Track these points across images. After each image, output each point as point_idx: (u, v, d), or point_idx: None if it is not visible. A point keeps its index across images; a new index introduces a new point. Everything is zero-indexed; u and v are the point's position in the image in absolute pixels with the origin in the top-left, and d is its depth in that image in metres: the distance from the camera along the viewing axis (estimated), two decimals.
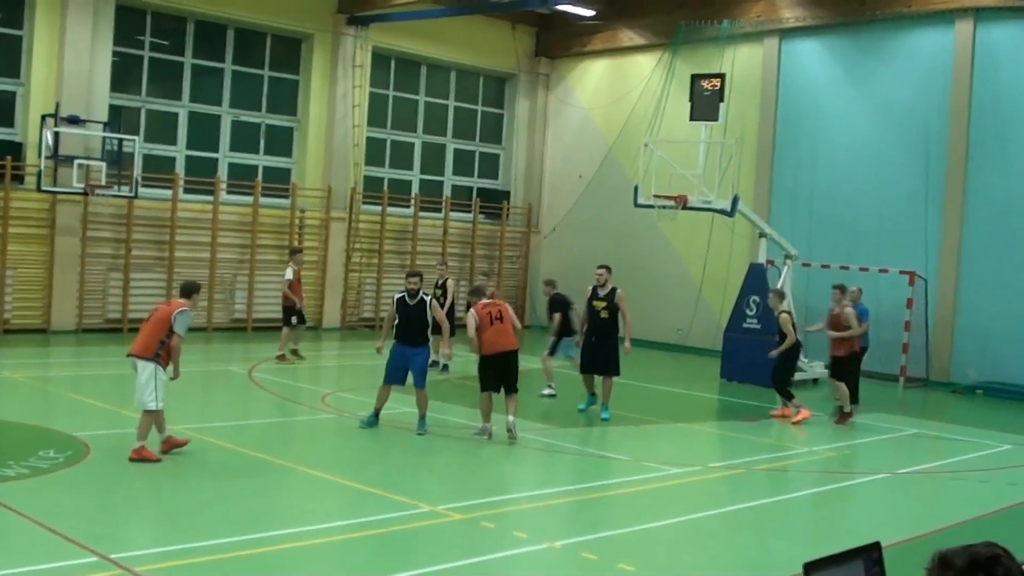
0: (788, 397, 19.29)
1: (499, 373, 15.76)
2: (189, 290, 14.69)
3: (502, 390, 15.83)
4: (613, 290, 18.61)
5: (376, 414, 16.16)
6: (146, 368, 13.52)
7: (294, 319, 23.25)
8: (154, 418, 13.44)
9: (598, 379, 18.71)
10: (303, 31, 29.87)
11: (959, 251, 25.57)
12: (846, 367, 19.60)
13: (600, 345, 18.40)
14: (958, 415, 22.10)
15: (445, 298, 21.97)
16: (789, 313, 19.88)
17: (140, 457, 13.20)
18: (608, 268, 19.04)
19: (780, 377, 19.36)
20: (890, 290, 25.11)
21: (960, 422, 20.86)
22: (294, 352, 23.49)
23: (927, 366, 25.69)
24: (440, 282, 22.73)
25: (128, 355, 13.77)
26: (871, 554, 4.01)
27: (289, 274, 23.54)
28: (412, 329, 16.07)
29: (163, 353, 13.59)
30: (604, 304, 18.48)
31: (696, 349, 29.35)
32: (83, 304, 26.05)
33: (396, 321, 16.23)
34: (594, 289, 18.80)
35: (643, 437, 17.58)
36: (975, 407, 23.21)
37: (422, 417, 16.02)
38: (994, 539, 3.15)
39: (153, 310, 14.18)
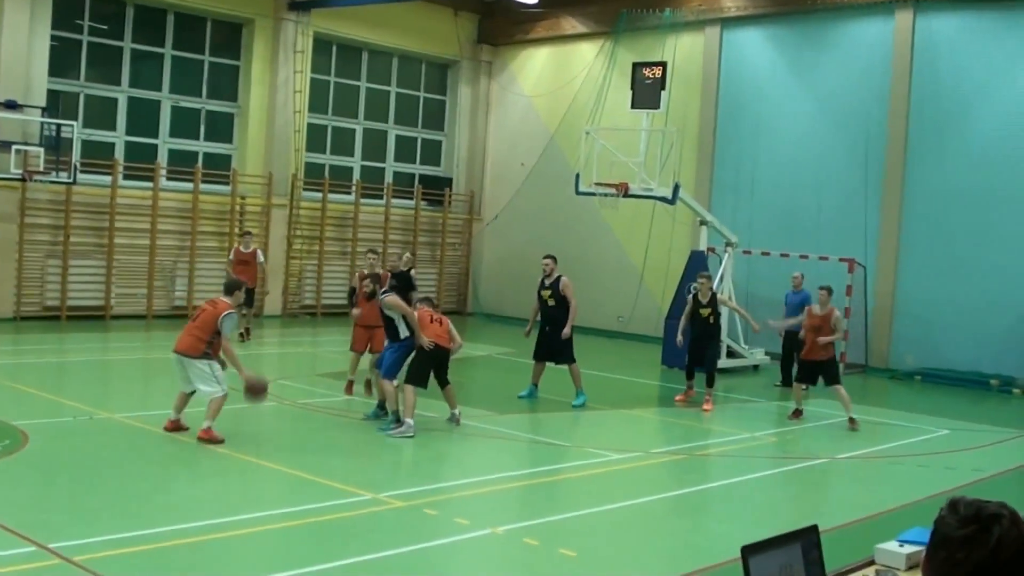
0: (711, 383, 19.30)
1: (436, 367, 15.65)
2: (232, 287, 14.89)
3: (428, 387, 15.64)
4: (558, 279, 18.70)
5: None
6: (195, 364, 13.95)
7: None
8: (221, 402, 13.91)
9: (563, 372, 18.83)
10: (244, 16, 29.65)
11: (898, 239, 25.84)
12: (831, 370, 18.39)
13: (552, 334, 18.50)
14: (897, 401, 22.34)
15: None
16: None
17: (208, 437, 13.66)
18: (554, 258, 19.16)
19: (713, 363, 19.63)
20: (830, 277, 25.23)
21: (899, 408, 21.09)
22: (243, 333, 23.62)
23: (866, 352, 25.95)
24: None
25: (174, 352, 14.13)
26: (809, 537, 4.05)
27: (231, 255, 23.77)
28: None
29: (211, 351, 14.01)
30: (550, 293, 18.64)
31: (637, 336, 29.46)
32: (21, 291, 25.75)
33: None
34: (541, 279, 18.85)
35: (585, 423, 17.63)
36: (913, 393, 23.46)
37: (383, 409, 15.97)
38: (932, 522, 3.19)
39: (200, 309, 14.46)
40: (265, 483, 12.59)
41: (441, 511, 11.25)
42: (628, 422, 18.02)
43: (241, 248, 24.50)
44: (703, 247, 24.70)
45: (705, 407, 18.84)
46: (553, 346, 18.60)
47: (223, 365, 14.20)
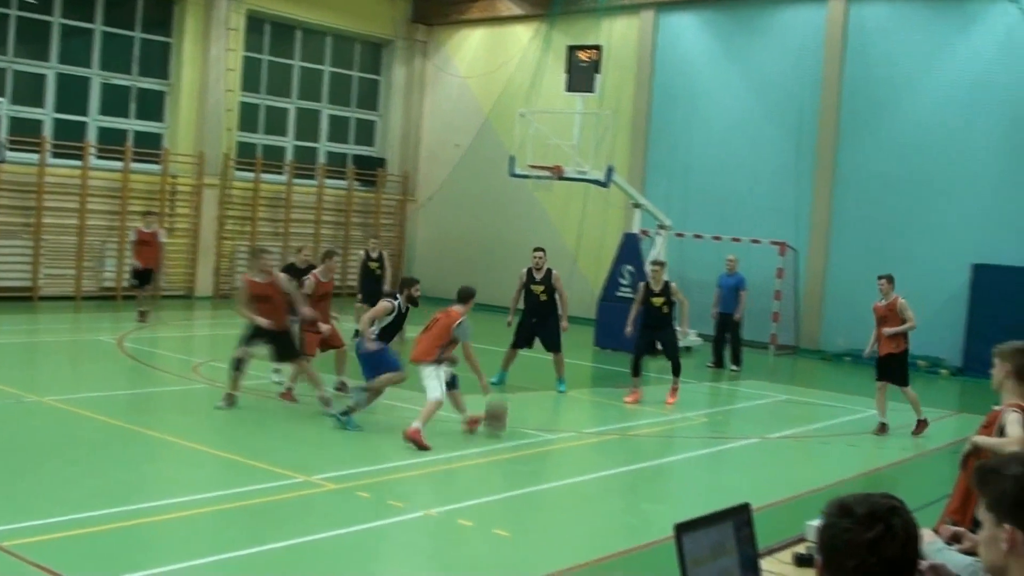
0: (637, 374, 18.07)
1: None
2: (467, 295, 14.99)
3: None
4: (549, 272, 18.82)
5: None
6: (426, 368, 14.22)
7: (135, 281, 23.52)
8: (438, 407, 14.03)
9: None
10: None
11: (829, 223, 26.11)
12: (903, 365, 16.74)
13: (542, 325, 18.41)
14: (827, 381, 22.57)
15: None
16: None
17: (413, 439, 13.46)
18: (544, 250, 19.26)
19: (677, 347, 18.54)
20: (761, 260, 25.55)
21: (829, 388, 21.31)
22: (140, 315, 23.57)
23: (797, 334, 26.21)
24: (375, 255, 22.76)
25: (411, 361, 14.54)
26: (741, 515, 4.09)
27: (132, 235, 23.69)
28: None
29: (444, 356, 14.31)
30: (543, 288, 18.65)
31: (571, 317, 29.43)
32: None
33: None
34: (530, 272, 18.91)
35: (518, 404, 17.63)
36: (844, 374, 23.72)
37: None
38: None
39: (434, 318, 14.68)
40: (197, 466, 12.51)
41: (374, 494, 11.23)
42: (561, 403, 18.07)
43: (143, 228, 24.19)
44: (636, 230, 24.81)
45: (669, 399, 18.04)
46: (547, 336, 18.56)
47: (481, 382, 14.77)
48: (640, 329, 18.50)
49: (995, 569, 3.57)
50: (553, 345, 18.67)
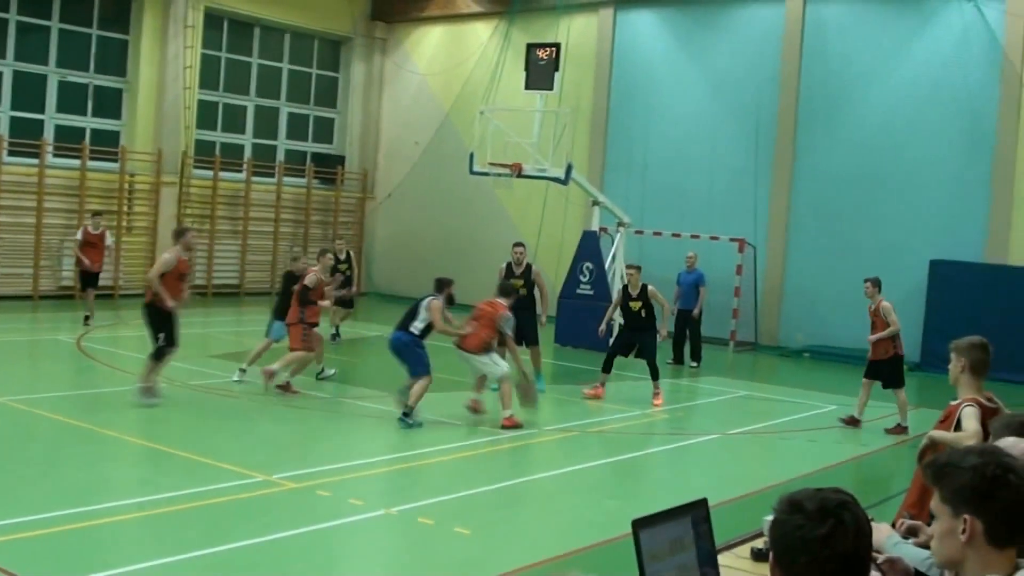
0: (656, 375, 18.06)
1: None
2: (510, 291, 16.32)
3: None
4: (529, 267, 18.89)
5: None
6: (481, 357, 15.43)
7: (82, 284, 23.13)
8: (508, 379, 15.47)
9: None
10: None
11: (787, 219, 26.26)
12: (893, 370, 16.74)
13: (520, 318, 18.12)
14: (786, 377, 22.68)
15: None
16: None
17: (511, 426, 14.95)
18: (524, 245, 19.39)
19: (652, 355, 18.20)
20: (720, 257, 25.65)
21: (788, 384, 21.42)
22: (86, 318, 23.09)
23: (756, 330, 26.33)
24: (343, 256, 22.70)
25: (465, 350, 15.47)
26: (699, 510, 4.12)
27: (79, 234, 23.36)
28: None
29: (493, 347, 15.62)
30: (523, 283, 18.55)
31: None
32: None
33: None
34: (509, 266, 18.95)
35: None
36: (803, 369, 23.85)
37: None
38: None
39: (480, 309, 15.85)
40: (157, 466, 12.45)
41: (335, 492, 11.22)
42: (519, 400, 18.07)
43: (90, 229, 23.44)
44: (595, 227, 24.86)
45: (655, 402, 17.90)
46: (525, 330, 18.19)
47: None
48: (620, 329, 18.67)
49: (949, 562, 3.60)
50: (531, 338, 18.62)
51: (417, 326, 15.36)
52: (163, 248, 28.19)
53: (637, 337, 18.22)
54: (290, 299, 17.17)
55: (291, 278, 17.84)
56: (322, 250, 18.69)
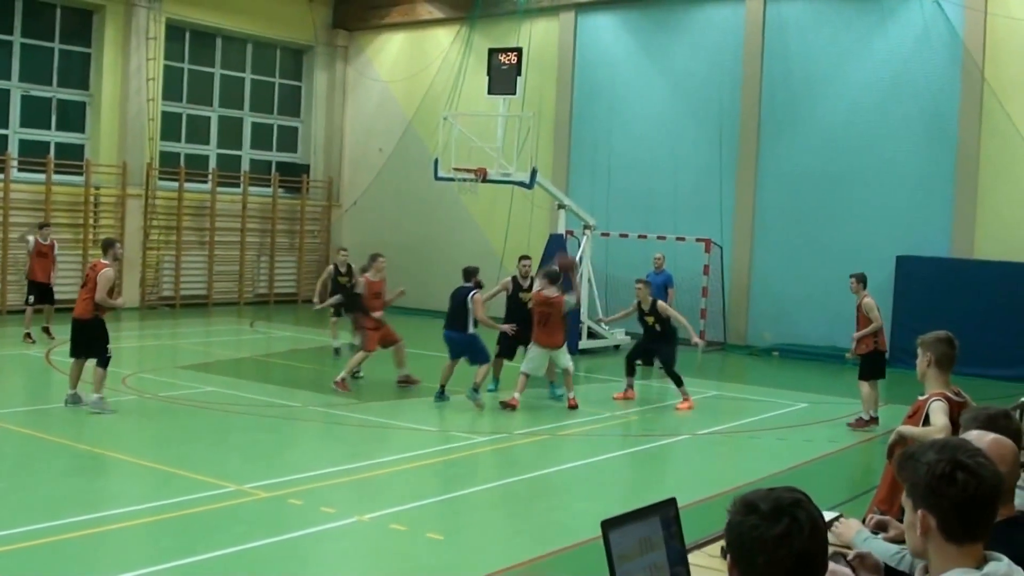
0: (679, 382, 18.17)
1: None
2: (557, 277, 17.43)
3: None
4: (533, 280, 18.77)
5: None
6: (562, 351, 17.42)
7: (31, 297, 22.56)
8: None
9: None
10: (94, 2, 28.97)
11: (752, 219, 26.36)
12: (873, 363, 16.84)
13: (524, 332, 18.03)
14: (755, 376, 22.78)
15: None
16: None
17: (574, 407, 17.14)
18: (531, 258, 19.90)
19: (670, 362, 18.42)
20: (687, 258, 25.74)
21: (758, 383, 21.52)
22: (44, 330, 22.64)
23: (724, 330, 26.41)
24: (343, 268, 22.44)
25: (547, 347, 17.23)
26: (667, 510, 4.14)
27: (29, 245, 22.77)
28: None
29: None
30: (530, 296, 18.38)
31: (498, 319, 29.50)
32: None
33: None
34: (515, 280, 19.09)
35: (448, 408, 17.65)
36: (771, 368, 23.94)
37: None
38: None
39: (544, 300, 17.20)
40: (127, 478, 12.42)
41: (306, 500, 11.22)
42: (491, 405, 18.07)
43: (40, 240, 22.93)
44: (562, 230, 24.88)
45: (680, 405, 18.01)
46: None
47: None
48: (640, 338, 19.16)
49: (919, 553, 3.65)
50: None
51: (471, 323, 17.36)
52: (130, 261, 28.35)
53: (654, 347, 18.65)
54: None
55: (336, 271, 20.00)
56: (374, 254, 19.54)
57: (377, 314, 18.61)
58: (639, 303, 18.67)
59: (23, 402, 16.86)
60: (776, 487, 3.23)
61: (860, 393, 16.79)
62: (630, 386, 18.65)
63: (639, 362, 19.18)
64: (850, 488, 13.27)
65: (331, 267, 22.59)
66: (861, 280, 17.03)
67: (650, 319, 18.43)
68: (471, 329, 17.38)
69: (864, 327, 16.73)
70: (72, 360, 15.74)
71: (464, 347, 17.38)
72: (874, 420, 16.69)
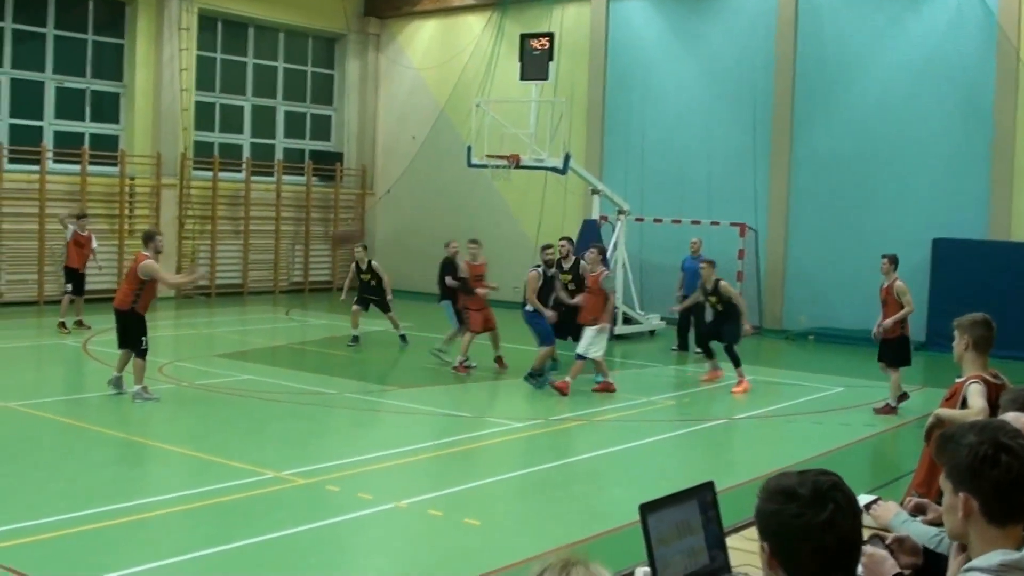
0: (737, 363, 18.38)
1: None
2: (605, 250, 18.10)
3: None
4: (577, 260, 18.82)
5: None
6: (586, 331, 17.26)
7: (68, 286, 22.68)
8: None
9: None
10: None
11: (787, 202, 26.24)
12: (899, 349, 16.62)
13: (569, 313, 18.12)
14: (791, 361, 22.72)
15: (378, 280, 21.94)
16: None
17: (605, 390, 17.28)
18: (572, 240, 19.82)
19: (732, 340, 18.51)
20: (722, 242, 25.64)
21: (794, 367, 21.46)
22: (77, 323, 22.74)
23: (760, 314, 26.30)
24: (364, 266, 22.39)
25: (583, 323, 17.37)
26: (705, 494, 4.15)
27: (68, 234, 22.95)
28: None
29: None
30: (570, 277, 18.66)
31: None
32: None
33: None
34: (557, 263, 18.89)
35: (484, 394, 17.73)
36: (807, 352, 23.86)
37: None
38: None
39: (590, 275, 17.52)
40: (165, 466, 12.51)
41: (344, 487, 11.26)
42: (527, 391, 18.09)
43: (78, 231, 23.11)
44: (595, 216, 24.86)
45: (735, 388, 18.18)
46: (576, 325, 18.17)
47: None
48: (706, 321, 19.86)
49: (957, 535, 3.64)
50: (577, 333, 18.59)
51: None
52: (165, 250, 28.32)
53: (717, 327, 18.99)
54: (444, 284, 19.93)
55: (447, 264, 20.03)
56: (472, 239, 20.33)
57: (482, 291, 19.38)
58: (703, 283, 18.85)
59: (62, 391, 16.99)
60: (805, 470, 3.18)
61: (890, 380, 16.60)
62: (716, 366, 19.02)
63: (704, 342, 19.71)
64: (887, 471, 13.24)
65: (353, 265, 22.60)
66: (894, 261, 16.82)
67: (712, 299, 18.62)
68: (530, 306, 17.92)
69: (892, 310, 16.51)
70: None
71: (528, 322, 18.12)
72: (893, 409, 16.60)
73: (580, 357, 17.27)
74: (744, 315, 18.64)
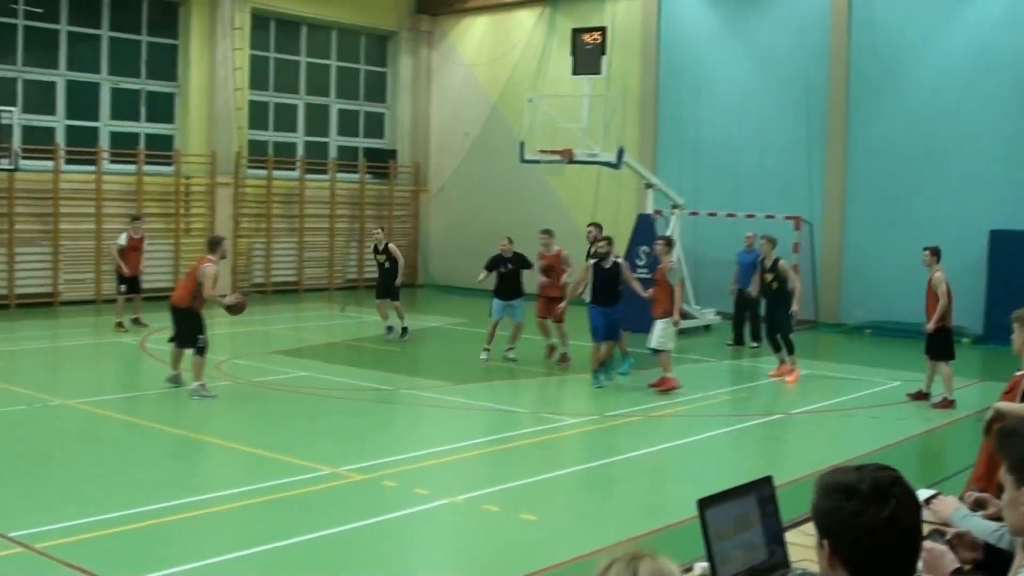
0: (790, 351, 18.59)
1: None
2: (672, 242, 18.01)
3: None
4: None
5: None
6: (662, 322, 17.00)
7: (123, 287, 22.83)
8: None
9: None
10: None
11: (843, 194, 26.05)
12: (942, 342, 16.44)
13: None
14: (848, 355, 22.55)
15: (392, 263, 21.98)
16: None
17: (666, 387, 16.77)
18: (597, 225, 20.19)
19: (784, 329, 18.70)
20: (777, 235, 25.40)
21: (850, 361, 21.28)
22: (134, 321, 22.94)
23: (816, 308, 26.15)
24: (381, 247, 22.42)
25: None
26: (763, 488, 4.13)
27: (122, 240, 23.06)
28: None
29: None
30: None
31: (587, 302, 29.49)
32: None
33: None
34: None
35: (539, 390, 17.74)
36: (864, 346, 23.69)
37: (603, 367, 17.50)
38: None
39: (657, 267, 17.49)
40: (222, 462, 12.60)
41: (400, 483, 11.29)
42: (582, 387, 18.07)
43: (133, 233, 23.14)
44: (650, 210, 24.79)
45: (787, 378, 18.46)
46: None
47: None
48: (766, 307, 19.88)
49: (1020, 531, 3.60)
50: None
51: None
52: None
53: (771, 313, 19.30)
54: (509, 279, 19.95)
55: (499, 260, 20.10)
56: (544, 229, 20.55)
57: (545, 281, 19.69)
58: (763, 259, 18.98)
59: (119, 389, 17.13)
60: (862, 465, 3.12)
61: (942, 374, 16.41)
62: (782, 361, 18.79)
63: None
64: (946, 466, 13.13)
65: (373, 246, 22.66)
66: (936, 253, 16.65)
67: (769, 276, 18.66)
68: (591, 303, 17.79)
69: (932, 302, 16.36)
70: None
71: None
72: (925, 396, 16.54)
73: (656, 351, 17.07)
74: (798, 295, 18.67)
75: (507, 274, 19.93)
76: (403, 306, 22.12)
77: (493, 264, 20.11)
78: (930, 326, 16.40)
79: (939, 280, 16.28)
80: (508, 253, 20.10)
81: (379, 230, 23.13)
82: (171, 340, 16.33)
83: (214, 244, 16.36)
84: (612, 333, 17.45)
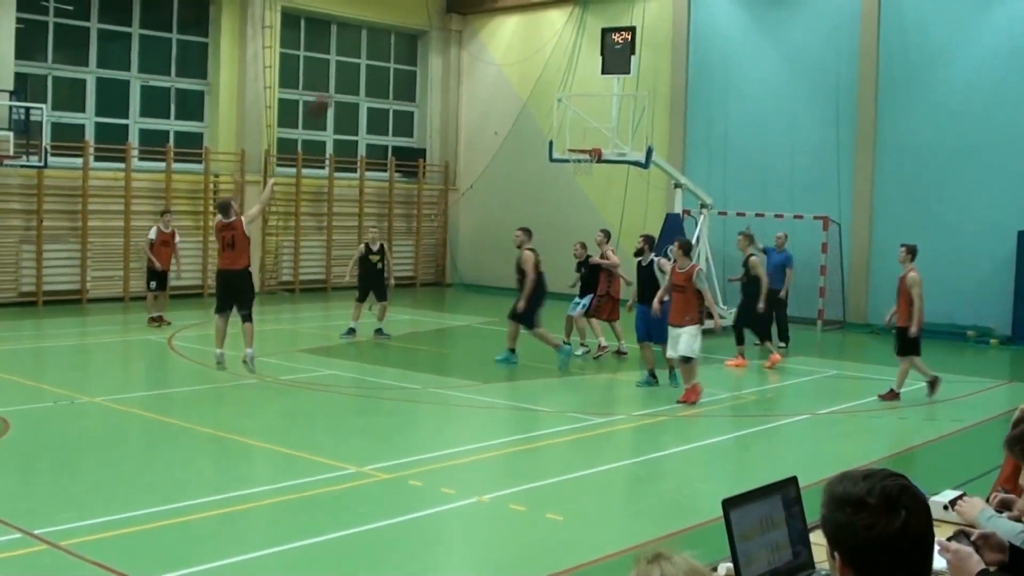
0: (766, 338, 20.10)
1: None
2: (690, 246, 16.92)
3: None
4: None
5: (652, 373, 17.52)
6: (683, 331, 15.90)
7: (152, 283, 22.93)
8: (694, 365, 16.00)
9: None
10: None
11: (871, 195, 25.95)
12: (912, 340, 16.58)
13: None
14: (876, 355, 22.41)
15: (383, 263, 22.05)
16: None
17: (696, 397, 15.86)
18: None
19: (753, 323, 19.95)
20: (805, 235, 25.42)
21: (878, 362, 21.14)
22: (158, 319, 22.99)
23: (844, 308, 26.07)
24: (375, 247, 22.43)
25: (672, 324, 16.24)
26: (788, 489, 4.11)
27: (152, 234, 23.21)
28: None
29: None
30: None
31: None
32: None
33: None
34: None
35: (565, 389, 17.71)
36: (892, 347, 23.51)
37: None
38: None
39: (677, 272, 16.23)
40: (250, 461, 12.63)
41: (426, 482, 11.29)
42: (610, 386, 18.06)
43: (162, 228, 23.39)
44: (678, 210, 24.73)
45: (767, 362, 19.78)
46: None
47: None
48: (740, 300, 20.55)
49: None
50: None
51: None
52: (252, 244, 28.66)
53: (745, 305, 20.15)
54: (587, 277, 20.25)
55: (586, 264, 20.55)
56: (605, 231, 21.27)
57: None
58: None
59: (148, 386, 17.21)
60: (869, 472, 3.05)
61: (901, 367, 16.71)
62: (741, 354, 19.91)
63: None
64: (973, 466, 13.03)
65: (363, 246, 22.67)
66: (912, 252, 16.67)
67: (741, 271, 20.08)
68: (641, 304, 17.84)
69: (904, 301, 16.45)
70: (217, 317, 16.96)
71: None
72: (896, 395, 16.63)
73: (686, 360, 16.02)
74: (764, 293, 19.56)
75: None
76: (417, 305, 22.20)
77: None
78: (914, 330, 16.44)
79: (914, 280, 16.33)
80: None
81: (375, 229, 23.21)
82: (219, 310, 17.02)
83: (225, 207, 17.01)
84: (656, 335, 17.18)
